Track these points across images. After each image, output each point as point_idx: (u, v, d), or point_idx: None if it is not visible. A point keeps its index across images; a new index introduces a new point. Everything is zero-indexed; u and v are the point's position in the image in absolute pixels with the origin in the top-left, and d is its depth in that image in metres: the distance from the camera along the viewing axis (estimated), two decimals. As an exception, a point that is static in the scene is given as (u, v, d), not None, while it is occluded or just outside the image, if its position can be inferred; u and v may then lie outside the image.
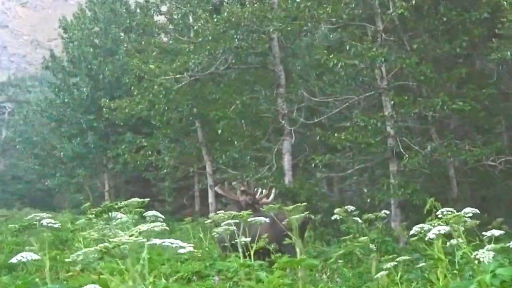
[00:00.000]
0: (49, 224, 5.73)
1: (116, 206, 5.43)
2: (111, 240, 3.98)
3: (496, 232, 5.94)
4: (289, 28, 19.97)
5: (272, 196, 14.42)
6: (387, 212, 15.84)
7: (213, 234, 6.75)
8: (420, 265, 8.10)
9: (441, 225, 6.45)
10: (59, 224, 5.91)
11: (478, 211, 6.00)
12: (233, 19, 20.64)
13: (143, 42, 26.54)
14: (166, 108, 23.51)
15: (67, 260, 4.18)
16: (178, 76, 21.53)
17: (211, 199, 26.39)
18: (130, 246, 4.01)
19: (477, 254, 5.66)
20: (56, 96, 36.63)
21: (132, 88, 23.64)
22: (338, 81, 20.73)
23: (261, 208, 13.96)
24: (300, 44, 24.13)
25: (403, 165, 18.19)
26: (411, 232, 6.52)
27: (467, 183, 20.93)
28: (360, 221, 12.17)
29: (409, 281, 8.50)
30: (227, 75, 23.78)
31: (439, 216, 6.84)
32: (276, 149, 21.93)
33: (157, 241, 4.00)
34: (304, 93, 21.61)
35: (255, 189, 14.24)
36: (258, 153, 23.91)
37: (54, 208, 40.73)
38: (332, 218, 11.11)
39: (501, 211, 19.18)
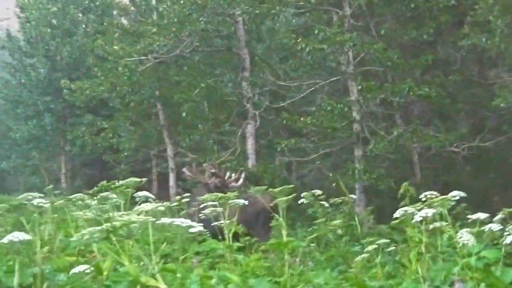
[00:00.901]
0: (40, 204, 5.60)
1: (113, 186, 5.34)
2: (119, 219, 3.89)
3: (482, 216, 5.97)
4: (257, 11, 19.86)
5: (241, 180, 14.33)
6: (354, 196, 15.99)
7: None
8: (390, 249, 8.14)
9: (425, 208, 6.48)
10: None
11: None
12: (199, 1, 20.44)
13: (105, 23, 26.06)
14: (130, 90, 23.23)
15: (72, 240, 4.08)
16: (142, 58, 21.28)
17: (171, 182, 26.24)
18: (140, 225, 3.93)
19: (461, 237, 5.71)
20: (12, 76, 36.01)
21: (96, 69, 23.29)
22: (305, 65, 20.66)
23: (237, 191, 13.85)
24: (264, 28, 24.01)
25: (369, 150, 18.29)
26: (396, 215, 6.54)
27: (430, 168, 21.15)
28: (327, 205, 12.21)
29: (382, 265, 8.55)
30: (191, 58, 23.56)
31: (423, 199, 6.87)
32: (240, 133, 21.85)
33: (167, 220, 3.92)
34: (269, 77, 21.55)
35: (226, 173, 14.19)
36: (221, 136, 23.81)
37: (8, 191, 40.02)
38: (299, 202, 11.10)
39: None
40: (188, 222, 4.05)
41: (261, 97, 22.15)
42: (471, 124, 21.35)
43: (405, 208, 6.57)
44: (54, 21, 34.90)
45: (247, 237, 9.81)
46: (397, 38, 19.07)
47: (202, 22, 20.95)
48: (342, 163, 21.53)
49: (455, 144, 18.60)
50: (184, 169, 14.85)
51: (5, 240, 5.10)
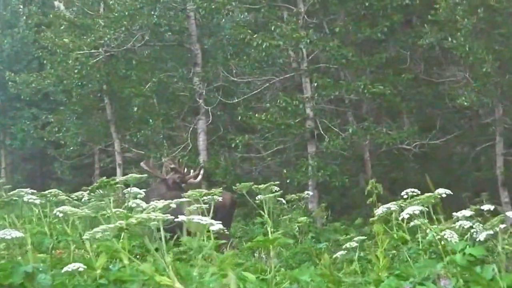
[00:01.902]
0: (30, 200, 5.46)
1: (112, 182, 5.23)
2: (136, 216, 3.82)
3: (467, 213, 6.06)
4: (213, 6, 19.76)
5: (200, 176, 14.29)
6: (310, 193, 16.10)
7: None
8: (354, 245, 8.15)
9: (411, 205, 6.56)
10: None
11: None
12: (152, -5, 20.27)
13: (51, 15, 25.53)
14: (79, 83, 22.83)
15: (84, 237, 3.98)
16: (93, 51, 20.92)
17: (118, 178, 25.76)
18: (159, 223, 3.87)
19: (444, 234, 5.80)
20: (-51, 68, 34.96)
21: (45, 61, 22.81)
22: (259, 62, 20.67)
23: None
24: (215, 23, 23.86)
25: (325, 147, 18.42)
26: (378, 212, 6.58)
27: (380, 165, 21.44)
28: (284, 201, 12.27)
29: (349, 261, 8.61)
30: (142, 52, 23.29)
31: (404, 196, 6.95)
32: (191, 128, 21.73)
33: (185, 217, 3.87)
34: (221, 73, 21.49)
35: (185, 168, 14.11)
36: (173, 131, 23.62)
37: None
38: (257, 198, 11.07)
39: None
40: (207, 219, 4.01)
41: (212, 93, 22.07)
42: (418, 122, 21.66)
43: (387, 205, 6.64)
44: (-6, 13, 34.16)
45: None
46: (351, 36, 19.22)
47: (155, 16, 20.72)
48: (292, 160, 21.66)
49: (406, 142, 18.89)
50: (141, 164, 14.73)
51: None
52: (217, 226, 3.96)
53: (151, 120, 22.06)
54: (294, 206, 14.39)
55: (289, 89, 21.93)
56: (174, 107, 22.87)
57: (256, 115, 18.87)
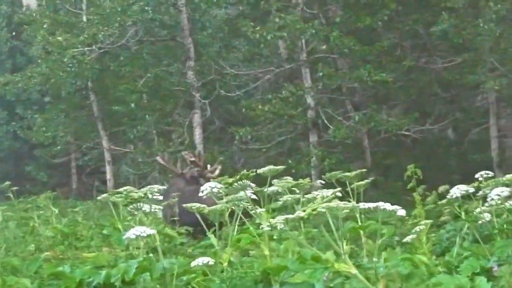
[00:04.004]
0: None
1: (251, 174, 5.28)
2: (315, 206, 3.89)
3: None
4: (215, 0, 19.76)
5: (217, 171, 14.12)
6: (322, 182, 16.16)
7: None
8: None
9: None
10: None
11: None
12: (144, -10, 20.21)
13: (34, 14, 25.25)
14: (72, 81, 22.64)
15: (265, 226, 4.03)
16: (87, 48, 20.75)
17: (109, 175, 25.76)
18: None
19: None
20: None
21: (40, 61, 22.57)
22: (258, 54, 20.76)
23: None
24: (207, 18, 23.82)
25: (332, 136, 18.58)
26: (450, 194, 6.71)
27: (378, 152, 21.68)
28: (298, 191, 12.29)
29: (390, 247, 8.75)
30: (135, 48, 23.16)
31: (479, 179, 7.11)
32: (187, 123, 21.71)
33: (371, 204, 3.96)
34: (213, 66, 21.50)
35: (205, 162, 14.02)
36: (168, 126, 23.55)
37: None
38: (271, 189, 11.17)
39: (401, 177, 19.96)
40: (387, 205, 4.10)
41: (207, 87, 22.08)
42: (413, 109, 21.95)
43: (463, 187, 6.77)
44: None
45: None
46: (351, 25, 19.35)
47: (150, 11, 20.64)
48: (288, 151, 21.78)
49: (405, 128, 19.17)
50: (157, 158, 14.65)
51: (131, 235, 5.02)
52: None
53: (147, 116, 21.98)
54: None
55: (281, 80, 22.03)
56: (169, 102, 22.80)
57: (260, 106, 18.94)
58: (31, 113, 28.39)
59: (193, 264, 4.99)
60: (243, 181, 5.49)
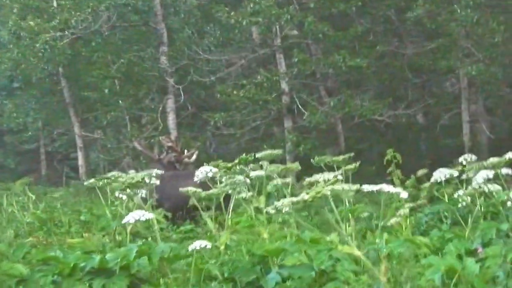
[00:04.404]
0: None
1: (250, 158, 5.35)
2: (318, 189, 3.97)
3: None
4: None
5: (194, 156, 14.16)
6: (299, 167, 16.24)
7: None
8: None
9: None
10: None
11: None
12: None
13: (5, -1, 24.90)
14: (45, 67, 22.40)
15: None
16: (59, 33, 20.51)
17: (81, 161, 25.62)
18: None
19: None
20: None
21: (11, 46, 22.24)
22: (232, 39, 20.77)
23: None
24: (179, 2, 23.67)
25: (307, 121, 18.67)
26: (434, 177, 6.82)
27: (352, 137, 21.88)
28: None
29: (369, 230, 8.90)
30: (109, 33, 22.91)
31: (462, 163, 7.24)
32: (160, 108, 21.66)
33: (373, 187, 4.04)
34: (186, 51, 21.46)
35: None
36: (141, 112, 23.45)
37: None
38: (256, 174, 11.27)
39: (373, 162, 20.17)
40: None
41: (181, 72, 22.02)
42: (384, 94, 22.16)
43: (446, 170, 6.91)
44: None
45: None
46: (325, 10, 19.40)
47: (123, -4, 20.53)
48: (262, 137, 21.88)
49: (379, 113, 19.34)
50: (134, 143, 14.66)
51: (131, 219, 5.07)
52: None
53: (120, 102, 21.87)
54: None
55: (254, 66, 22.07)
56: (142, 88, 22.69)
57: (235, 92, 18.97)
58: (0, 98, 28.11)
59: (190, 248, 5.06)
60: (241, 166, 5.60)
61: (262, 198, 5.10)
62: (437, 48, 19.38)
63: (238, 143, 22.06)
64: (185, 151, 14.29)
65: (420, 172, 10.36)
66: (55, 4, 23.22)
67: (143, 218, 4.95)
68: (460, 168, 6.96)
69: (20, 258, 6.15)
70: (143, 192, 6.56)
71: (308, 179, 4.44)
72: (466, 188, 7.04)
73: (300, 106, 19.03)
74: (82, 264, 5.29)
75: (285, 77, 19.18)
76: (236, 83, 20.64)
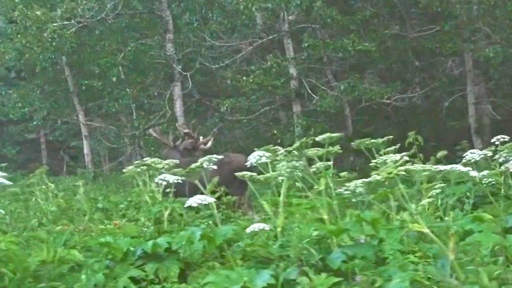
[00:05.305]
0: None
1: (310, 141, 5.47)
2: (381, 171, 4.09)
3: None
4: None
5: (210, 143, 14.25)
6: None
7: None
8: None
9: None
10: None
11: None
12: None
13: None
14: (52, 56, 22.41)
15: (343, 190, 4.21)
16: (66, 22, 20.52)
17: (86, 150, 25.70)
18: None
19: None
20: None
21: (19, 36, 22.16)
22: (241, 25, 20.85)
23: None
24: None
25: (318, 105, 18.80)
26: (466, 158, 6.93)
27: (360, 121, 22.03)
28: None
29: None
30: (115, 22, 22.89)
31: (496, 143, 7.37)
32: (167, 96, 21.73)
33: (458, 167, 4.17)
34: (195, 38, 21.54)
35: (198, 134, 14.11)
36: (149, 100, 23.53)
37: None
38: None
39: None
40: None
41: (185, 59, 22.11)
42: (391, 77, 22.30)
43: (478, 151, 7.04)
44: None
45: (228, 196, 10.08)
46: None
47: (129, -16, 20.54)
48: (271, 122, 22.01)
49: (387, 96, 19.49)
50: (150, 131, 14.71)
51: (193, 203, 5.20)
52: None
53: (127, 90, 21.93)
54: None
55: (258, 51, 22.15)
56: (149, 75, 22.75)
57: (244, 78, 19.08)
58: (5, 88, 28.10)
59: (248, 230, 5.18)
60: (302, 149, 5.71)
61: (323, 181, 5.20)
62: (444, 30, 19.48)
63: (248, 129, 22.21)
64: (201, 137, 14.41)
65: (440, 154, 10.48)
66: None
67: (205, 202, 5.06)
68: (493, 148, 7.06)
69: (61, 245, 6.24)
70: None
71: (374, 161, 4.55)
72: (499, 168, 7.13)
73: (309, 91, 19.15)
74: (133, 249, 5.43)
75: (293, 62, 19.28)
76: (243, 69, 20.74)
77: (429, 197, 6.59)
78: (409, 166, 4.02)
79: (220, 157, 6.07)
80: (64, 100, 26.43)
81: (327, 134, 5.59)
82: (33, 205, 12.43)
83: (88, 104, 25.84)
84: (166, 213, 7.00)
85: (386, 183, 4.00)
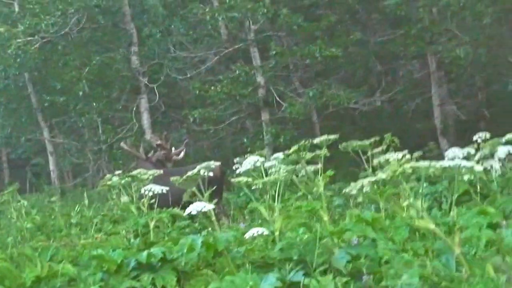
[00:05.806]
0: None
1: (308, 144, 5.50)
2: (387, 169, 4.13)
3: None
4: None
5: (182, 153, 14.21)
6: (280, 156, 16.44)
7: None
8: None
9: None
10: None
11: None
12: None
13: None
14: (16, 73, 22.15)
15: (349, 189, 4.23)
16: (29, 38, 20.28)
17: (52, 166, 25.40)
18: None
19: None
20: None
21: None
22: (208, 36, 20.87)
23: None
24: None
25: (288, 112, 18.86)
26: (447, 157, 7.03)
27: (327, 126, 22.13)
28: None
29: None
30: (79, 36, 22.70)
31: (477, 141, 7.50)
32: (134, 108, 21.61)
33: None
34: (159, 49, 21.49)
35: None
36: (116, 113, 23.33)
37: None
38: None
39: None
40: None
41: (149, 72, 22.06)
42: (355, 82, 22.51)
43: (459, 149, 7.14)
44: None
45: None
46: (297, 2, 19.63)
47: (93, -2, 20.41)
48: (239, 131, 22.01)
49: (354, 101, 19.66)
50: (121, 144, 14.61)
51: (193, 211, 5.20)
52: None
53: (94, 104, 21.73)
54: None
55: (224, 61, 22.15)
56: (115, 89, 22.59)
57: (212, 88, 19.07)
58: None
59: (247, 235, 5.19)
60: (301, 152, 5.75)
61: (321, 182, 5.24)
62: (407, 34, 19.72)
63: (211, 140, 22.21)
64: (173, 148, 14.37)
65: (416, 154, 10.61)
66: (17, 9, 23.09)
67: (205, 209, 5.05)
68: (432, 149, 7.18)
69: (47, 260, 6.18)
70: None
71: (377, 160, 4.60)
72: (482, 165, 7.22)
73: (277, 98, 19.22)
74: (126, 260, 5.39)
75: (261, 71, 19.33)
76: (209, 79, 20.74)
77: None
78: (414, 164, 4.07)
79: (218, 163, 6.09)
80: (28, 117, 26.05)
81: (324, 136, 5.66)
82: (6, 223, 12.29)
83: (52, 120, 25.51)
84: (152, 224, 7.00)
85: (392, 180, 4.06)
